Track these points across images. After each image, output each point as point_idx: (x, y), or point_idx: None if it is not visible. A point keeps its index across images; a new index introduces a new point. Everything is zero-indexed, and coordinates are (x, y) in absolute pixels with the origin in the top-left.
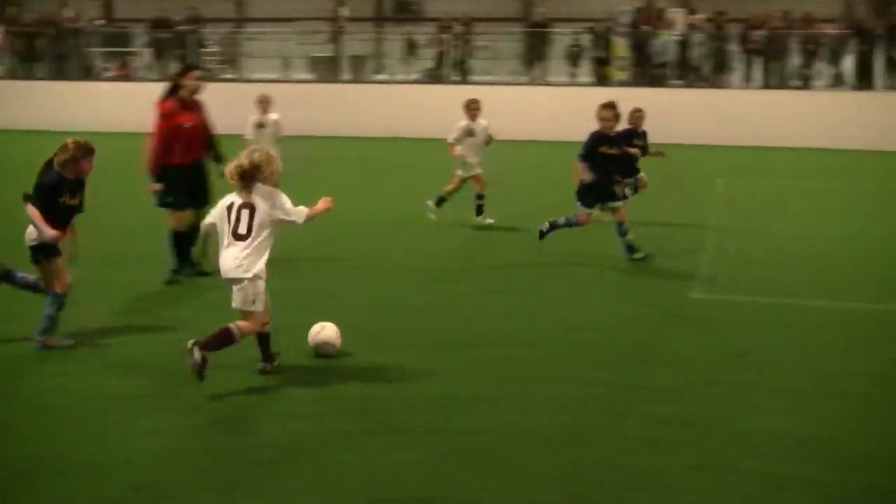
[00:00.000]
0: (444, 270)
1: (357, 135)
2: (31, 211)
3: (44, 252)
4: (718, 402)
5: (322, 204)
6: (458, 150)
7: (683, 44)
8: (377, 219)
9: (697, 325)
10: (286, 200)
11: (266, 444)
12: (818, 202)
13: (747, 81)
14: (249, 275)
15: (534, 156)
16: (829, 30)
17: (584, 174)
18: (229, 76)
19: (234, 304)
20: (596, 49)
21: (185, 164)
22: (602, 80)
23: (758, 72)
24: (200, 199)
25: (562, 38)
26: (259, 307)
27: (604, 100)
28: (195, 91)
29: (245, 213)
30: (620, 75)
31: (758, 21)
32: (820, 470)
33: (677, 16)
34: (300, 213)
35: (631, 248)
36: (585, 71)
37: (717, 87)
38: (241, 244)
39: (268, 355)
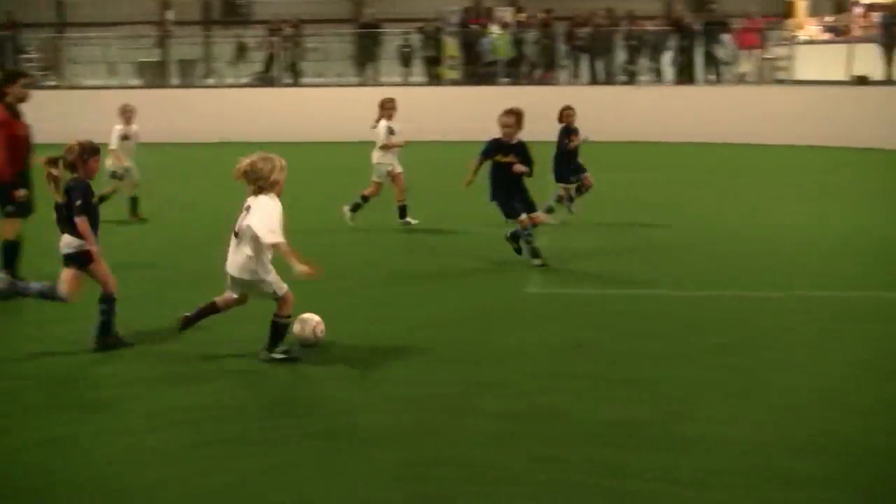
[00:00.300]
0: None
1: (188, 140)
2: (84, 225)
3: (81, 259)
4: (557, 394)
5: (301, 267)
6: (379, 154)
7: (513, 42)
8: (213, 231)
9: (533, 319)
10: (266, 215)
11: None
12: (649, 193)
13: (575, 78)
14: (246, 277)
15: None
16: (651, 26)
17: (518, 167)
18: (52, 83)
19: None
20: (427, 49)
21: (21, 171)
22: (434, 79)
23: (585, 68)
24: (30, 208)
25: (393, 39)
26: (280, 290)
27: (436, 99)
28: (22, 99)
29: (243, 214)
30: (452, 74)
31: (582, 18)
32: (657, 455)
33: (506, 14)
34: (270, 234)
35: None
36: (417, 71)
37: (545, 84)
38: (233, 242)
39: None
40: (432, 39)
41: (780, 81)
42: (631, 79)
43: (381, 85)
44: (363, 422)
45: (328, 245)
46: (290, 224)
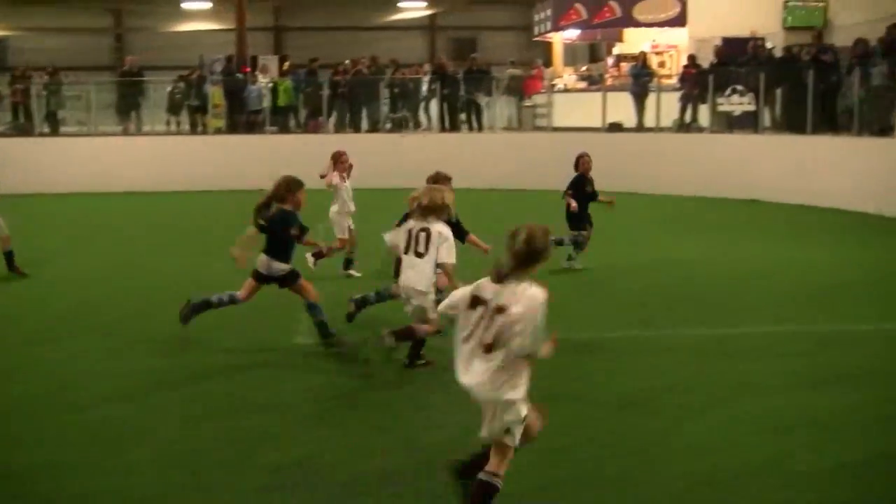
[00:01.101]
0: (48, 331)
1: None
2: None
3: (292, 277)
4: (324, 445)
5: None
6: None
7: (274, 90)
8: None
9: (303, 369)
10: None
11: None
12: None
13: (342, 126)
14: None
15: (135, 207)
16: (415, 74)
17: None
18: None
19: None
20: (191, 97)
21: None
22: (198, 128)
23: (353, 117)
24: None
25: (157, 87)
26: (434, 316)
27: (202, 147)
28: None
29: (422, 237)
30: (217, 123)
31: (346, 67)
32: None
33: (271, 63)
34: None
35: None
36: (182, 120)
37: (311, 133)
38: (414, 261)
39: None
40: (197, 88)
41: (540, 128)
42: (396, 126)
43: (145, 134)
44: (131, 484)
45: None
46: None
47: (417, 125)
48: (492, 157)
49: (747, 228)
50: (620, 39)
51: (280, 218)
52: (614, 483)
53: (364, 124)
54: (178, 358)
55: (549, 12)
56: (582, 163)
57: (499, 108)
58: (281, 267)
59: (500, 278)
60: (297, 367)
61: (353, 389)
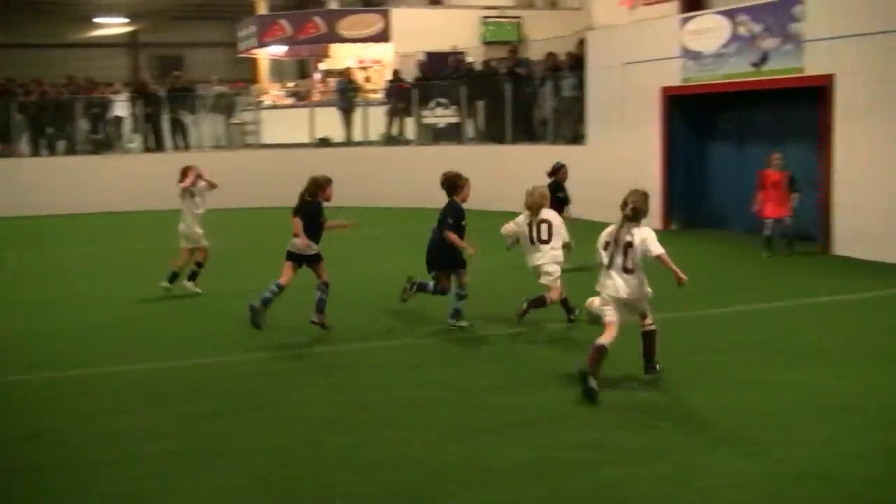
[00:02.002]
0: None
1: None
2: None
3: (320, 257)
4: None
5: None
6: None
7: None
8: None
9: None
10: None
11: None
12: (113, 266)
13: (36, 148)
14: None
15: None
16: (114, 94)
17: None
18: None
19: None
20: None
21: None
22: None
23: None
24: None
25: None
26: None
27: None
28: None
29: (544, 227)
30: None
31: (36, 86)
32: None
33: None
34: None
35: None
36: None
37: (3, 157)
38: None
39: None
40: None
41: (249, 146)
42: (96, 148)
43: None
44: None
45: None
46: None
47: (118, 146)
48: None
49: None
50: (327, 55)
51: (318, 208)
52: None
53: (61, 146)
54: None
55: (253, 28)
56: (562, 172)
57: (206, 126)
58: (315, 247)
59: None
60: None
61: (40, 429)
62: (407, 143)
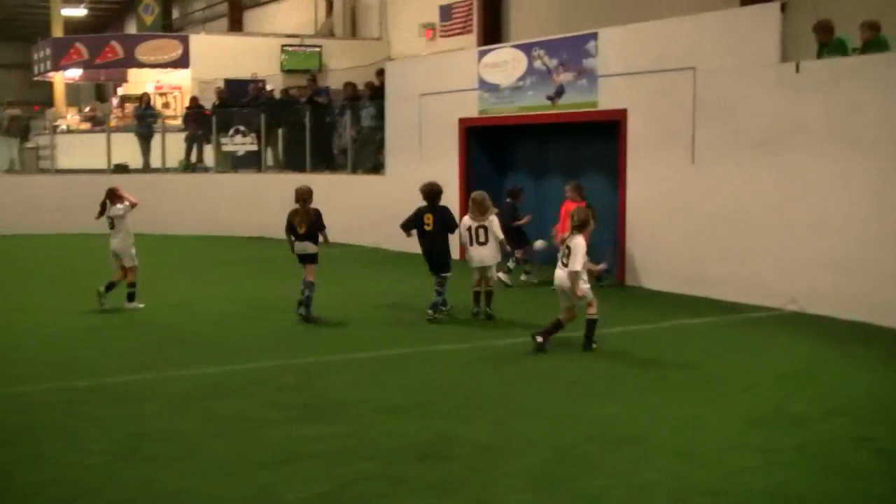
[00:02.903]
0: None
1: None
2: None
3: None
4: None
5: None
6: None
7: None
8: None
9: None
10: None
11: None
12: None
13: None
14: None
15: None
16: None
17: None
18: None
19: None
20: None
21: None
22: None
23: None
24: None
25: None
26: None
27: None
28: None
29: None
30: None
31: None
32: None
33: None
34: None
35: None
36: None
37: None
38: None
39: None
40: None
41: (45, 171)
42: None
43: None
44: None
45: None
46: None
47: None
48: None
49: (256, 265)
50: (125, 80)
51: (318, 214)
52: None
53: None
54: None
55: (48, 51)
56: (521, 196)
57: None
58: (315, 248)
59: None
60: None
61: None
62: (206, 170)
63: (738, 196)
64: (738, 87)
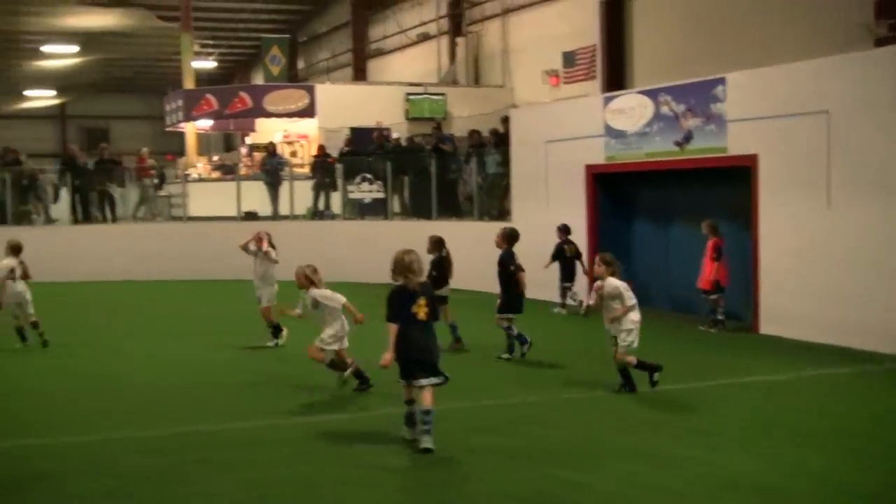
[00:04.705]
0: None
1: None
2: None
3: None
4: None
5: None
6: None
7: None
8: None
9: None
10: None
11: None
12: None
13: None
14: None
15: None
16: (38, 165)
17: None
18: None
19: None
20: None
21: None
22: None
23: None
24: None
25: None
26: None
27: None
28: None
29: None
30: None
31: None
32: None
33: None
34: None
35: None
36: None
37: None
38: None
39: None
40: None
41: (176, 218)
42: (23, 220)
43: None
44: None
45: None
46: None
47: (47, 218)
48: (126, 247)
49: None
50: (253, 129)
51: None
52: None
53: None
54: None
55: (180, 102)
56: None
57: (133, 198)
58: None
59: None
60: None
61: None
62: (333, 217)
63: (877, 241)
64: (873, 130)
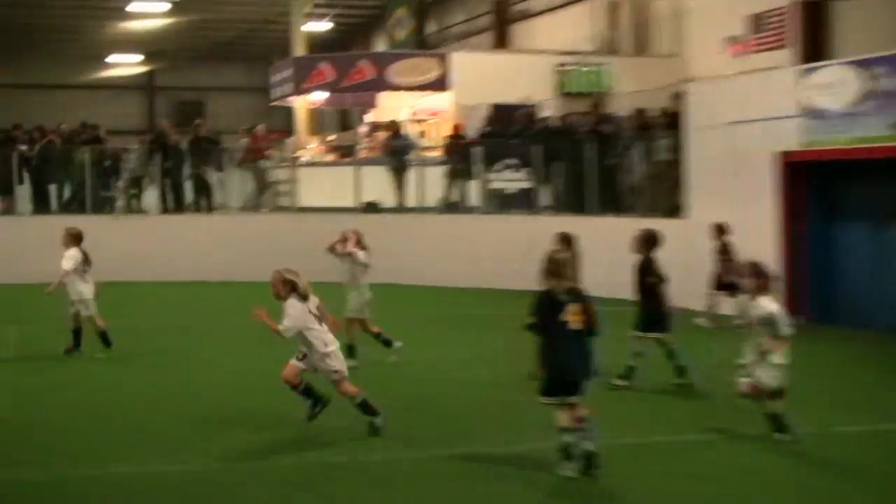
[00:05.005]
0: None
1: None
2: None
3: None
4: None
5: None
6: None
7: None
8: None
9: None
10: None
11: None
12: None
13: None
14: None
15: None
16: (126, 144)
17: None
18: None
19: None
20: None
21: None
22: None
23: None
24: None
25: None
26: None
27: None
28: None
29: None
30: None
31: (35, 136)
32: None
33: None
34: None
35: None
36: None
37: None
38: None
39: None
40: None
41: (284, 208)
42: (106, 206)
43: None
44: None
45: None
46: None
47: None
48: (225, 242)
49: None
50: (374, 104)
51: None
52: None
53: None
54: None
55: (289, 72)
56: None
57: (233, 184)
58: None
59: None
60: None
61: None
62: (469, 210)
63: None
64: None
